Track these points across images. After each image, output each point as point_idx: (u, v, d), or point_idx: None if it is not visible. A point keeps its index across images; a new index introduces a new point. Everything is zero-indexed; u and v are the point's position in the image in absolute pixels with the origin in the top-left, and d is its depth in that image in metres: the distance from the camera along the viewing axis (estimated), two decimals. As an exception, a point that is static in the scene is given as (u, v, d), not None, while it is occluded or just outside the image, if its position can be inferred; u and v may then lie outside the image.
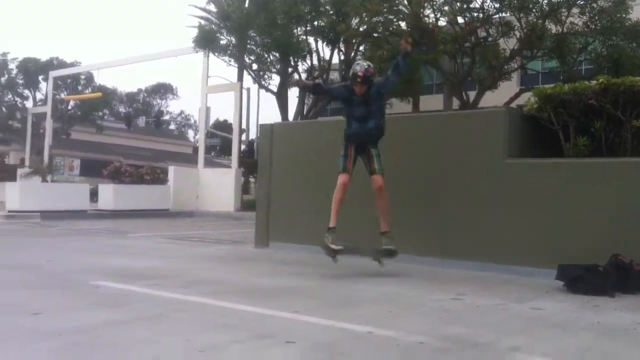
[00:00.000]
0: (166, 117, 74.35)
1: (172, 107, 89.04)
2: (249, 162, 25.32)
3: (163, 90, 78.56)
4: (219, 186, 20.59)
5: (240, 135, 24.21)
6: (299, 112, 22.67)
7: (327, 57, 22.17)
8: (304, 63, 22.61)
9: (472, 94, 19.52)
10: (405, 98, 23.18)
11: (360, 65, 6.44)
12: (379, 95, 6.64)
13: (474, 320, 4.51)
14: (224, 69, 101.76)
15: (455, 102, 20.20)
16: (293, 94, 24.91)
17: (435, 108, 19.43)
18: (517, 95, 18.92)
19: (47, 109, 30.66)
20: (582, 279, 5.73)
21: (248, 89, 30.33)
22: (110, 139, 50.72)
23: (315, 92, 6.80)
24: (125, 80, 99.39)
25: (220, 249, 9.73)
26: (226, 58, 21.89)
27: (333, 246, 6.14)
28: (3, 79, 37.56)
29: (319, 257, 8.04)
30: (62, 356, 3.36)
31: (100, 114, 41.73)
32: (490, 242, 7.17)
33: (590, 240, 6.48)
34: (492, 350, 3.61)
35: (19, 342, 3.66)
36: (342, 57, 21.96)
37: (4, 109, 38.37)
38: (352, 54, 21.90)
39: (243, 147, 28.81)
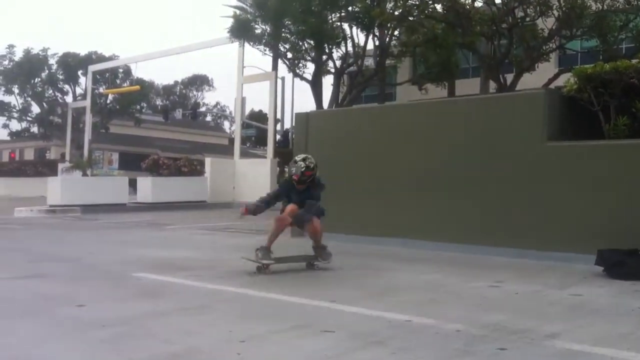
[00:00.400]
0: (202, 109, 74.99)
1: (208, 98, 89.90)
2: (284, 152, 25.39)
3: (199, 82, 79.14)
4: (254, 177, 20.69)
5: (275, 125, 24.30)
6: (334, 100, 22.62)
7: (362, 43, 22.05)
8: (339, 50, 22.51)
9: (509, 77, 19.19)
10: (441, 83, 22.92)
11: (297, 168, 6.30)
12: (310, 197, 6.41)
13: (513, 307, 4.48)
14: (258, 58, 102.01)
15: (492, 86, 19.89)
16: (328, 82, 24.81)
17: (471, 92, 19.15)
18: (555, 77, 18.52)
19: (87, 103, 31.23)
20: (622, 264, 5.64)
21: (282, 78, 30.44)
22: (148, 132, 51.39)
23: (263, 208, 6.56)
24: (161, 73, 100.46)
25: (256, 240, 9.78)
26: (261, 47, 21.93)
27: (263, 261, 6.02)
28: (44, 75, 38.35)
29: (356, 246, 8.08)
30: (108, 346, 3.45)
31: (138, 107, 42.37)
32: (529, 228, 7.08)
33: (630, 224, 6.35)
34: (531, 337, 3.59)
35: (66, 332, 3.77)
36: (377, 43, 21.81)
37: (44, 104, 39.23)
38: (387, 39, 21.74)
39: (278, 137, 28.91)
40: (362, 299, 4.70)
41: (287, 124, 33.89)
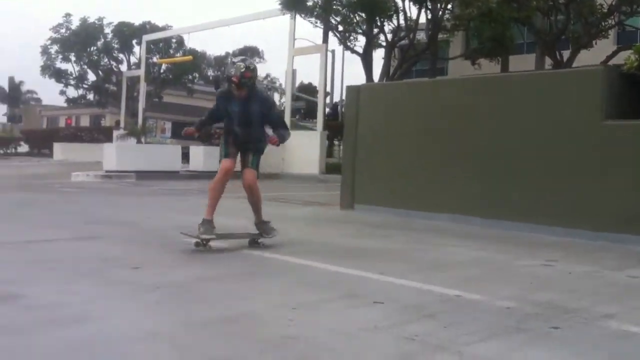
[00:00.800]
0: (252, 80, 75.22)
1: (259, 70, 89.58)
2: (333, 125, 25.36)
3: (250, 53, 79.31)
4: (304, 149, 20.76)
5: (325, 98, 24.25)
6: (385, 73, 22.43)
7: (414, 17, 21.73)
8: (390, 23, 22.26)
9: (566, 53, 18.66)
10: (494, 58, 22.45)
11: (236, 68, 5.52)
12: (261, 114, 5.76)
13: (566, 286, 4.41)
14: (309, 31, 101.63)
15: (548, 62, 19.39)
16: (378, 55, 24.59)
17: (526, 68, 18.70)
18: (614, 54, 17.95)
19: (141, 72, 31.73)
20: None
21: (333, 51, 30.25)
22: (199, 101, 51.98)
23: (200, 129, 6.00)
24: (213, 43, 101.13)
25: (307, 211, 9.90)
26: (312, 19, 21.87)
27: (204, 236, 5.48)
28: (99, 43, 39.13)
29: (405, 219, 8.06)
30: (162, 308, 3.55)
31: (190, 77, 42.87)
32: (584, 208, 6.92)
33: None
34: (584, 316, 3.53)
35: (123, 294, 3.90)
36: (429, 16, 21.46)
37: (100, 72, 40.08)
38: (440, 12, 21.36)
39: (327, 110, 28.87)
40: (410, 272, 4.69)
41: (337, 97, 33.78)
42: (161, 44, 38.03)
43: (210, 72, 72.92)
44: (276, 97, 74.99)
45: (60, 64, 40.82)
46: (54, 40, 40.02)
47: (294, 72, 23.72)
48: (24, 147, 43.75)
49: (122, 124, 32.18)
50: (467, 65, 23.27)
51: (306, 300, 3.77)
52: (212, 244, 5.59)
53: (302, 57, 23.94)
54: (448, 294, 4.01)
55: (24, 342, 2.86)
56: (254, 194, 5.97)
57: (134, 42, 38.63)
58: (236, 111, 5.69)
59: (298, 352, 2.82)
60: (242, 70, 5.49)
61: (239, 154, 5.93)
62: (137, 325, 3.20)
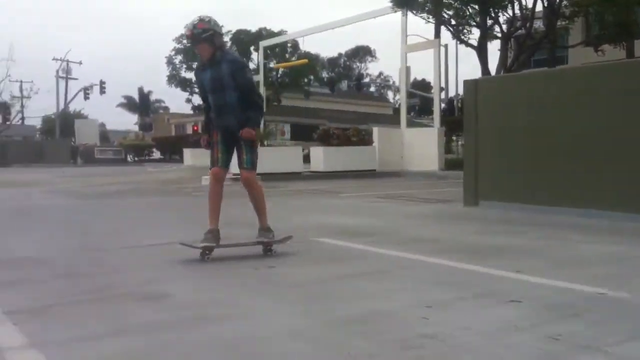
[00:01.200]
0: (366, 80, 75.69)
1: (371, 69, 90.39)
2: (450, 121, 24.93)
3: (362, 53, 79.87)
4: (422, 146, 20.59)
5: (440, 93, 23.88)
6: (502, 65, 21.72)
7: (530, 5, 20.89)
8: (505, 13, 21.55)
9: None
10: (618, 43, 21.11)
11: (191, 22, 5.10)
12: (231, 77, 5.17)
13: None
14: (421, 27, 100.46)
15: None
16: (494, 47, 23.85)
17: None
18: None
19: (260, 77, 32.73)
20: None
21: (446, 46, 29.73)
22: (316, 103, 53.00)
23: (208, 129, 5.44)
24: (325, 45, 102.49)
25: (431, 208, 9.81)
26: (424, 15, 21.61)
27: (204, 244, 5.10)
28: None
29: (532, 215, 7.80)
30: (301, 306, 3.66)
31: (306, 80, 43.77)
32: None
33: None
34: None
35: (261, 292, 4.06)
36: (546, 4, 20.53)
37: (220, 80, 41.77)
38: (557, 0, 20.39)
39: (443, 105, 28.40)
40: (548, 270, 4.54)
41: (451, 92, 33.15)
42: (277, 49, 39.07)
43: (324, 74, 74.10)
44: (390, 95, 74.70)
45: (185, 73, 43.03)
46: (177, 51, 42.26)
47: (407, 69, 23.51)
48: (155, 154, 46.52)
49: (244, 129, 33.28)
50: (589, 52, 22.08)
51: (440, 299, 3.75)
52: (349, 244, 5.66)
53: (414, 53, 23.73)
54: (590, 291, 3.84)
55: (175, 338, 3.05)
56: (253, 189, 5.52)
57: (251, 48, 39.95)
58: (207, 78, 5.23)
59: (437, 351, 2.82)
60: (195, 22, 5.08)
61: (230, 153, 5.47)
62: (278, 323, 3.32)
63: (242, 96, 5.21)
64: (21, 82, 53.50)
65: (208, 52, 5.14)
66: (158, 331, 3.18)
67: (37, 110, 68.95)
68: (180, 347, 2.94)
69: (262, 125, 28.84)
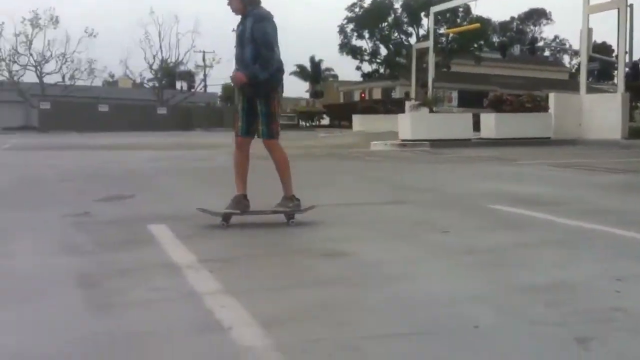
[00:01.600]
0: (540, 44, 71.36)
1: (546, 32, 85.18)
2: (634, 86, 22.85)
3: (536, 16, 75.45)
4: (602, 112, 19.17)
5: (624, 57, 21.92)
6: None
7: None
8: None
9: None
10: None
11: None
12: (250, 31, 4.86)
13: None
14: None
15: None
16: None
17: None
18: None
19: (429, 44, 32.17)
20: None
21: (631, 6, 27.08)
22: (485, 69, 51.10)
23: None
24: (497, 9, 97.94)
25: (614, 178, 9.17)
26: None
27: (225, 211, 4.86)
28: (390, 19, 40.76)
29: None
30: (477, 272, 3.62)
31: (476, 45, 42.37)
32: None
33: None
34: None
35: (438, 256, 4.06)
36: None
37: (391, 46, 41.79)
38: None
39: (626, 69, 26.06)
40: None
41: (635, 56, 30.28)
42: (448, 14, 38.11)
43: (495, 39, 71.24)
44: (565, 59, 70.10)
45: (355, 42, 43.52)
46: (349, 20, 42.79)
47: (589, 31, 21.82)
48: (325, 120, 47.87)
49: (412, 95, 33.13)
50: None
51: (630, 272, 3.52)
52: (526, 212, 5.50)
53: (594, 15, 21.94)
54: None
55: (358, 296, 3.16)
56: (274, 152, 5.13)
57: (422, 14, 39.37)
58: (236, 33, 5.03)
59: (629, 326, 2.67)
60: None
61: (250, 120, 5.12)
62: (457, 286, 3.30)
63: (256, 52, 4.89)
64: (204, 52, 57.13)
65: (238, 6, 4.97)
66: (341, 286, 3.31)
67: (218, 79, 73.47)
68: (365, 302, 3.04)
69: (430, 92, 28.47)
